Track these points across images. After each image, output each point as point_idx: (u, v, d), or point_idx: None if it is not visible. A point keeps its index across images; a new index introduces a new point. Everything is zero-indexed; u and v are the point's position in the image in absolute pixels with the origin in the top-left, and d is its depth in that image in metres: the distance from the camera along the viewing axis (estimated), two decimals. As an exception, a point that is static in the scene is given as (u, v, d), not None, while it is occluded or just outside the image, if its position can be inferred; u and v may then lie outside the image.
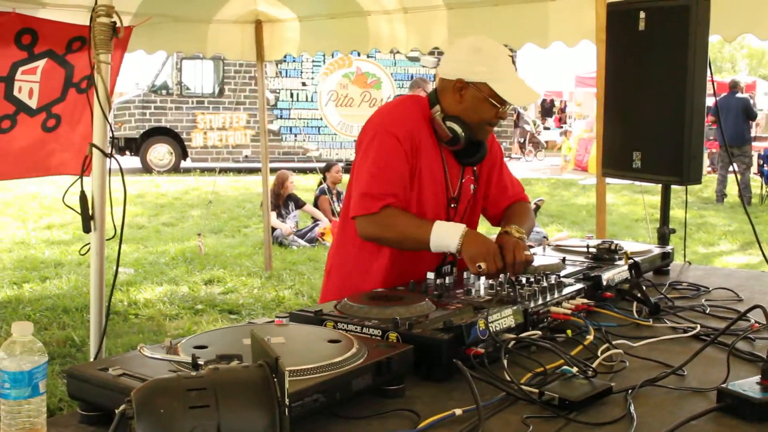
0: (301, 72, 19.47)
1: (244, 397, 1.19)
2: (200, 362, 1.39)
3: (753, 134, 16.81)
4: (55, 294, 7.41)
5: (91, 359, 3.51)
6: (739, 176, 14.04)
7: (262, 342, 1.31)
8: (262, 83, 8.19)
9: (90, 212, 3.36)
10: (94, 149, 3.34)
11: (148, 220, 12.23)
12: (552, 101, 35.41)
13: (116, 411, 1.22)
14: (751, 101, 15.13)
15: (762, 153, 15.65)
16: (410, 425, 1.63)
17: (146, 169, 18.84)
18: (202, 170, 18.60)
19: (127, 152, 19.08)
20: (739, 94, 14.55)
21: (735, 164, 14.14)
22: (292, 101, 19.51)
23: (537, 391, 1.75)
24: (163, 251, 9.65)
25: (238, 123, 19.35)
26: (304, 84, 19.55)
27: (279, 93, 19.36)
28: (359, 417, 1.66)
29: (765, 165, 15.20)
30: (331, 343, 1.80)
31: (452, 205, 2.83)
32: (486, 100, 2.66)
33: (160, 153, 19.21)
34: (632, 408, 1.70)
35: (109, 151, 3.38)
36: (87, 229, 3.40)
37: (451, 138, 2.71)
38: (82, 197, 3.35)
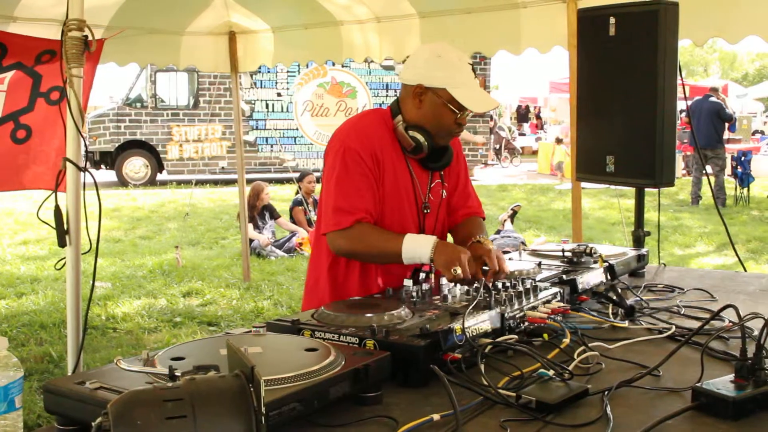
0: (276, 82, 19.44)
1: (220, 407, 1.19)
2: (177, 373, 1.39)
3: (726, 136, 16.95)
4: (31, 310, 7.35)
5: (69, 374, 3.48)
6: (713, 178, 14.17)
7: (237, 351, 1.31)
8: (237, 94, 8.18)
9: (65, 227, 3.34)
10: (68, 163, 3.32)
11: (125, 233, 12.15)
12: (527, 107, 35.55)
13: (93, 424, 1.22)
14: (724, 105, 15.23)
15: (735, 155, 15.78)
16: (389, 432, 1.63)
17: (122, 182, 18.73)
18: (179, 182, 18.49)
19: (103, 166, 18.98)
20: (712, 98, 14.67)
21: (709, 166, 14.25)
22: (268, 112, 19.48)
23: (514, 394, 1.77)
24: (141, 264, 9.60)
25: (213, 135, 19.27)
26: (279, 94, 19.53)
27: (254, 104, 19.32)
28: (337, 425, 1.67)
29: (739, 167, 15.33)
30: (308, 352, 1.81)
31: (425, 211, 2.85)
32: (444, 105, 2.68)
33: (136, 166, 19.09)
34: (608, 409, 1.72)
35: (83, 165, 3.37)
36: (62, 244, 3.37)
37: (414, 147, 2.74)
38: (57, 212, 3.33)
